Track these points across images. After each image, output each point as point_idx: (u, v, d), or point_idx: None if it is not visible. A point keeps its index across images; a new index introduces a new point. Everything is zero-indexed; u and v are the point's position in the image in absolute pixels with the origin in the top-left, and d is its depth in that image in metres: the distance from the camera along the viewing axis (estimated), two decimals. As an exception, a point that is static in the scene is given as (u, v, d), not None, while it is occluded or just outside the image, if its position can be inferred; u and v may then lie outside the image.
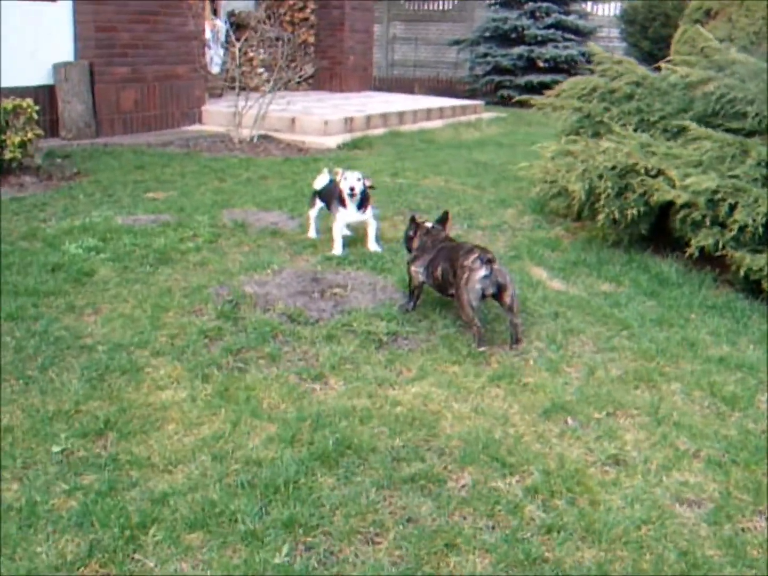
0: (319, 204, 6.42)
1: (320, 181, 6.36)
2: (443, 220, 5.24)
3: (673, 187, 6.06)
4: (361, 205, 6.04)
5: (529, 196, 8.26)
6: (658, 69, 8.50)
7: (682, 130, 7.69)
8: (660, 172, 6.18)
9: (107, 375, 4.06)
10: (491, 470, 3.40)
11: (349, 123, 11.60)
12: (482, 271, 4.50)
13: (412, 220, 5.19)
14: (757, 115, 6.74)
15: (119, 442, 3.47)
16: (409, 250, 5.20)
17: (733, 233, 5.57)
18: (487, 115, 14.99)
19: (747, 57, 7.38)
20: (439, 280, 4.81)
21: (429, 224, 5.18)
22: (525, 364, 4.49)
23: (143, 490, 3.14)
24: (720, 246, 5.79)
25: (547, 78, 17.21)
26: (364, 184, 5.96)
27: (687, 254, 5.85)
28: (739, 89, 6.96)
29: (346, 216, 6.03)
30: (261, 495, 3.11)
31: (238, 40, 9.80)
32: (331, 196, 6.20)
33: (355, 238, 6.35)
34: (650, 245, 6.57)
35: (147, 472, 3.27)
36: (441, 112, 14.13)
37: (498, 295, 4.59)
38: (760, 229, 5.55)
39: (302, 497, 3.10)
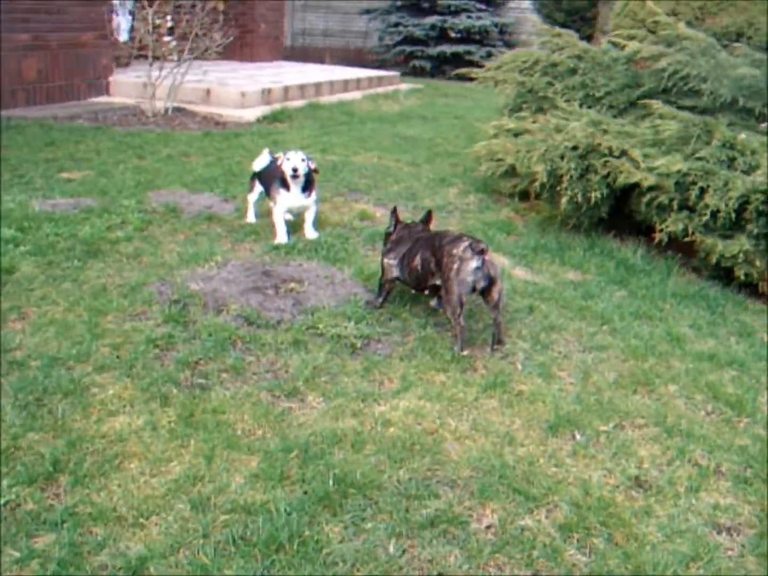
0: (258, 187, 5.83)
1: (260, 163, 5.76)
2: (426, 219, 4.76)
3: (637, 168, 5.75)
4: (306, 188, 5.49)
5: (469, 174, 7.90)
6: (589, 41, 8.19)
7: (630, 106, 7.43)
8: (623, 153, 5.85)
9: (46, 398, 3.44)
10: (514, 504, 3.00)
11: (266, 95, 10.91)
12: (474, 262, 4.07)
13: (393, 213, 4.70)
14: (711, 93, 6.49)
15: (74, 488, 2.88)
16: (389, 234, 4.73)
17: (705, 218, 5.31)
18: (403, 87, 14.52)
19: (696, 33, 7.14)
20: (417, 272, 4.34)
21: (410, 221, 4.72)
22: (513, 368, 4.10)
23: (114, 553, 2.58)
24: (689, 232, 5.51)
25: (459, 48, 16.86)
26: (308, 166, 5.41)
27: (656, 240, 5.57)
28: (692, 66, 6.70)
29: (288, 200, 5.48)
30: (260, 554, 2.59)
31: (150, 4, 8.92)
32: (271, 178, 5.62)
33: (297, 223, 5.78)
34: (609, 229, 6.28)
35: (114, 527, 2.70)
36: (358, 84, 13.57)
37: (486, 290, 4.16)
38: (732, 215, 5.30)
39: (310, 554, 2.61)
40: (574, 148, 6.00)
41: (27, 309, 4.22)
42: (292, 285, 4.81)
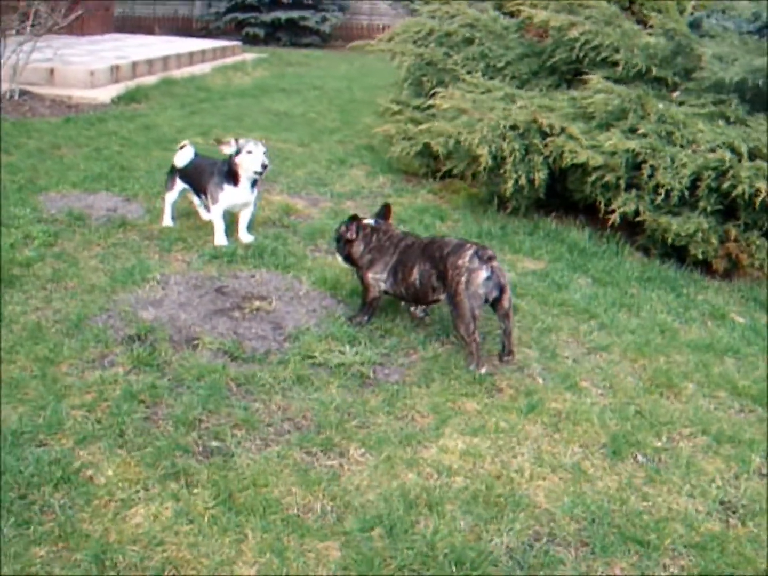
0: (180, 185, 5.08)
1: (183, 157, 5.01)
2: (384, 213, 4.25)
3: (582, 147, 5.53)
4: (255, 182, 4.83)
5: (367, 152, 7.53)
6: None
7: (533, 76, 7.22)
8: (562, 131, 5.61)
9: (33, 493, 2.73)
10: (638, 557, 2.71)
11: (115, 72, 9.81)
12: (484, 272, 3.66)
13: (353, 219, 4.14)
14: (626, 62, 6.38)
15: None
16: (347, 256, 4.15)
17: (660, 197, 5.17)
18: (248, 57, 13.65)
19: (599, 1, 7.01)
20: (416, 287, 3.87)
21: (371, 221, 4.17)
22: (535, 382, 3.77)
23: None
24: (641, 211, 5.37)
25: (294, 14, 16.10)
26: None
27: (610, 222, 5.39)
28: (603, 35, 6.56)
29: (233, 197, 4.82)
30: None
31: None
32: (201, 173, 4.92)
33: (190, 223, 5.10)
34: (547, 210, 6.04)
35: None
36: (203, 56, 12.61)
37: (497, 299, 3.77)
38: (685, 193, 5.20)
39: None
40: (513, 127, 5.68)
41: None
42: (257, 303, 4.19)
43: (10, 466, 2.81)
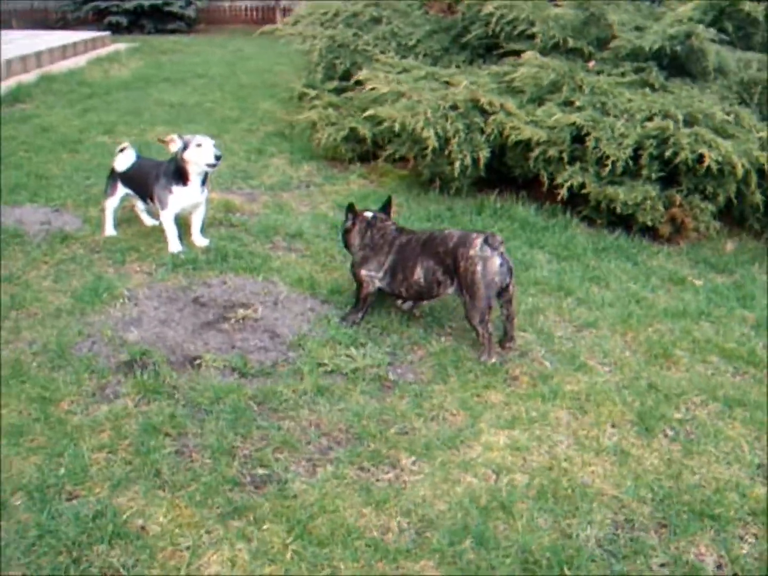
0: (122, 191, 4.73)
1: (124, 160, 4.67)
2: (386, 206, 4.12)
3: (524, 123, 5.56)
4: (204, 180, 4.56)
5: (281, 140, 7.36)
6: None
7: (445, 52, 7.21)
8: (502, 108, 5.61)
9: (87, 554, 2.46)
10: (717, 532, 2.74)
11: (-11, 71, 9.03)
12: (497, 259, 3.62)
13: (350, 209, 3.99)
14: (543, 35, 6.46)
15: None
16: (348, 246, 4.01)
17: (608, 168, 5.28)
18: (121, 47, 12.91)
19: (507, -26, 7.03)
20: (420, 285, 3.78)
21: (369, 213, 4.03)
22: (542, 366, 3.77)
23: None
24: (586, 184, 5.46)
25: (158, 0, 15.33)
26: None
27: (559, 196, 5.44)
28: (517, 9, 6.61)
29: (184, 198, 4.54)
30: None
31: None
32: (145, 177, 4.60)
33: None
34: (488, 187, 6.04)
35: None
36: (75, 49, 11.84)
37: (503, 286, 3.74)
38: (630, 162, 5.33)
39: None
40: (453, 107, 5.63)
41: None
42: (241, 312, 3.97)
43: (50, 526, 2.53)
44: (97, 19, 15.85)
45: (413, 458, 3.01)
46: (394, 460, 2.99)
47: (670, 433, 3.34)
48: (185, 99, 9.06)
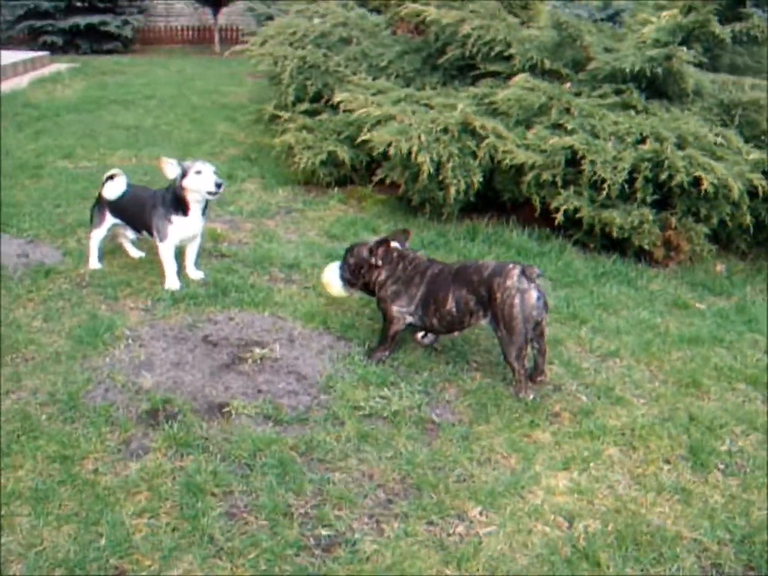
0: (110, 221, 4.43)
1: (115, 188, 4.36)
2: (404, 239, 3.92)
3: (517, 146, 5.47)
4: (205, 210, 4.30)
5: (248, 164, 7.14)
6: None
7: (416, 73, 7.11)
8: (493, 131, 5.51)
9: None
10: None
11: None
12: (534, 292, 3.48)
13: (382, 242, 3.77)
14: (521, 56, 6.41)
15: None
16: (366, 284, 3.79)
17: (604, 192, 5.22)
18: (62, 67, 12.39)
19: (480, -5, 6.99)
20: (452, 315, 3.61)
21: (397, 245, 3.83)
22: (578, 400, 3.65)
23: None
24: (579, 208, 5.40)
25: (94, 19, 14.80)
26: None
27: (556, 222, 5.36)
28: (493, 30, 6.55)
29: (184, 228, 4.27)
30: None
31: None
32: (140, 206, 4.33)
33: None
34: (475, 213, 5.93)
35: None
36: (15, 69, 11.31)
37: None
38: (625, 186, 5.30)
39: None
40: (444, 130, 5.49)
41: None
42: (258, 351, 3.74)
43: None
44: (31, 38, 15.18)
45: (479, 508, 2.83)
46: (460, 512, 2.80)
47: (721, 466, 3.23)
48: (140, 121, 8.71)
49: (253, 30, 9.97)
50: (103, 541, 2.51)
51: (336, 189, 6.46)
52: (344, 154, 6.28)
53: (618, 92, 6.22)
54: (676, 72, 6.07)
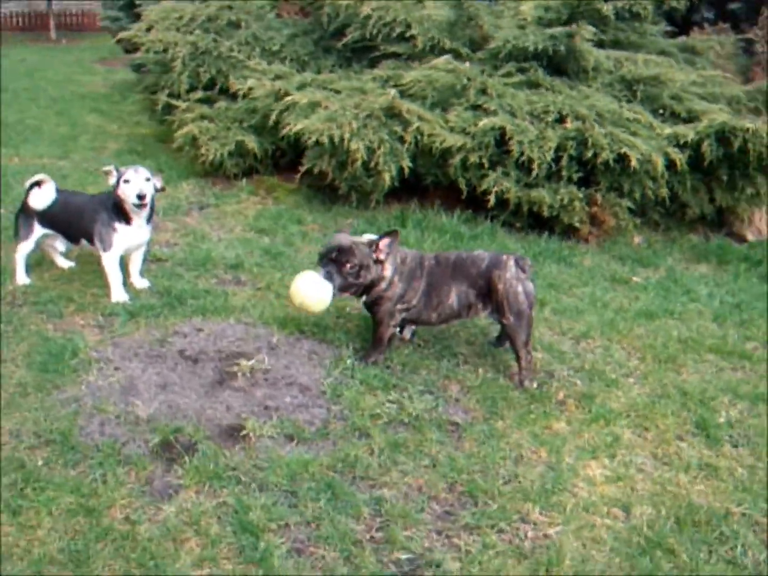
0: (38, 231, 3.99)
1: (42, 196, 3.91)
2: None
3: (443, 129, 5.42)
4: (150, 217, 3.96)
5: (139, 155, 6.73)
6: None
7: (311, 57, 6.93)
8: (418, 115, 5.43)
9: None
10: None
11: None
12: (530, 282, 3.46)
13: (389, 234, 3.52)
14: (423, 36, 6.36)
15: None
16: (369, 286, 3.53)
17: (535, 171, 5.27)
18: None
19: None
20: (452, 309, 3.52)
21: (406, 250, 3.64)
22: (574, 384, 3.67)
23: None
24: (508, 188, 5.43)
25: None
26: (155, 186, 3.89)
27: (490, 204, 5.35)
28: (393, 11, 6.46)
29: (129, 237, 3.91)
30: None
31: None
32: (77, 214, 3.94)
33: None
34: (398, 198, 5.83)
35: None
36: None
37: None
38: (552, 165, 5.38)
39: None
40: (369, 116, 5.34)
41: None
42: (245, 363, 3.50)
43: None
44: None
45: (537, 508, 2.77)
46: (521, 515, 2.72)
47: (727, 438, 3.33)
48: (1, 116, 7.91)
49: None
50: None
51: (244, 180, 6.12)
52: (252, 143, 5.97)
53: (521, 71, 6.27)
54: (577, 50, 6.18)
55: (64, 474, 2.68)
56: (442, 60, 5.64)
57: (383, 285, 3.44)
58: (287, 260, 4.64)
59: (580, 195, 5.32)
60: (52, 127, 7.55)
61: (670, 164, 5.46)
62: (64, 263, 4.26)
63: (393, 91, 5.26)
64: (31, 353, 3.40)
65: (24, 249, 4.01)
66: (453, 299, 3.48)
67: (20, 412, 3.01)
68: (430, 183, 5.73)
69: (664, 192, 5.58)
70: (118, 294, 3.92)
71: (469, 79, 5.63)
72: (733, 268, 5.42)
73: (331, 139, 5.01)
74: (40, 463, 2.73)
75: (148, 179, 3.81)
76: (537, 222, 5.63)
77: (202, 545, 2.43)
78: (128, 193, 3.75)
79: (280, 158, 6.30)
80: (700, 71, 6.52)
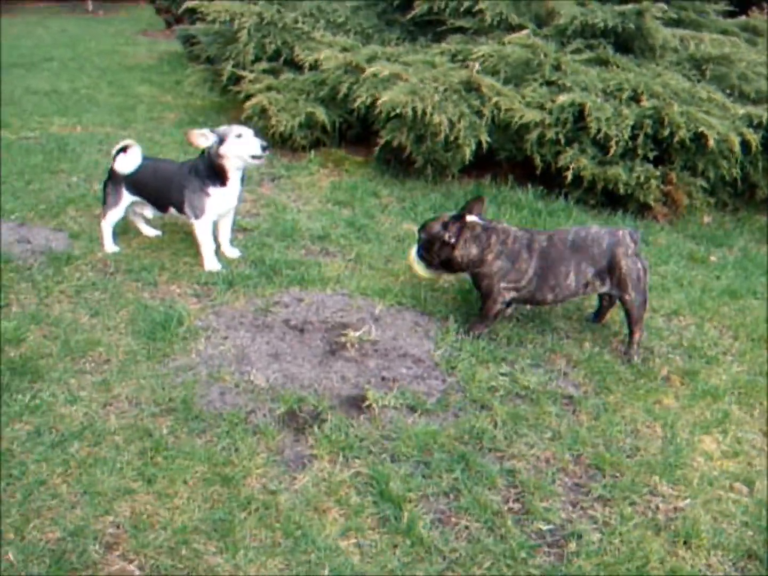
0: (128, 198, 3.99)
1: (129, 161, 3.92)
2: (474, 208, 3.62)
3: (524, 105, 5.38)
4: (243, 178, 3.97)
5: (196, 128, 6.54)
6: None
7: (376, 31, 6.87)
8: (497, 90, 5.39)
9: None
10: None
11: None
12: (645, 259, 3.47)
13: (457, 218, 3.53)
14: (492, 11, 6.30)
15: None
16: (446, 261, 3.55)
17: (613, 149, 5.23)
18: None
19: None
20: (571, 288, 3.52)
21: (477, 219, 3.60)
22: (674, 361, 3.66)
23: None
24: (585, 165, 5.39)
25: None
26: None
27: (568, 180, 5.32)
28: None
29: (224, 200, 3.93)
30: None
31: None
32: (166, 180, 3.96)
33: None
34: (470, 172, 5.81)
35: None
36: None
37: None
38: (629, 143, 5.33)
39: None
40: (447, 90, 5.31)
41: None
42: (352, 334, 3.50)
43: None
44: None
45: (664, 481, 2.78)
46: (651, 488, 2.73)
47: None
48: (54, 86, 7.94)
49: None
50: (326, 572, 2.23)
51: (312, 152, 6.10)
52: (322, 115, 5.95)
53: (589, 47, 6.20)
54: (646, 27, 6.11)
55: (191, 442, 2.70)
56: (522, 34, 5.58)
57: (472, 264, 3.44)
58: (371, 232, 4.64)
59: (657, 173, 5.27)
60: (107, 97, 7.54)
61: (744, 144, 5.40)
62: (151, 231, 4.27)
63: (477, 65, 5.21)
64: (135, 321, 3.42)
65: (112, 216, 4.02)
66: (571, 279, 3.47)
67: (135, 379, 3.02)
68: (503, 158, 5.70)
69: (736, 172, 5.53)
70: (211, 263, 3.92)
71: (545, 55, 5.56)
72: (805, 250, 5.38)
73: (414, 111, 4.97)
74: (165, 431, 2.75)
75: (256, 134, 3.80)
76: (609, 200, 5.59)
77: (344, 515, 2.45)
78: (247, 147, 3.74)
79: (347, 131, 6.27)
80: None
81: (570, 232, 3.56)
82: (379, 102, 5.03)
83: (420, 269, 3.66)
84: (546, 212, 5.34)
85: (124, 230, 4.30)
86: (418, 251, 3.62)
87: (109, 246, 4.08)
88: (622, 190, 5.34)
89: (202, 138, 3.83)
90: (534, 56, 5.55)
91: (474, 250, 3.49)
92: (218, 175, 3.83)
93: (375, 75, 5.26)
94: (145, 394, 2.94)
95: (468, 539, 2.40)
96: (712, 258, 5.05)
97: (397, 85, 5.16)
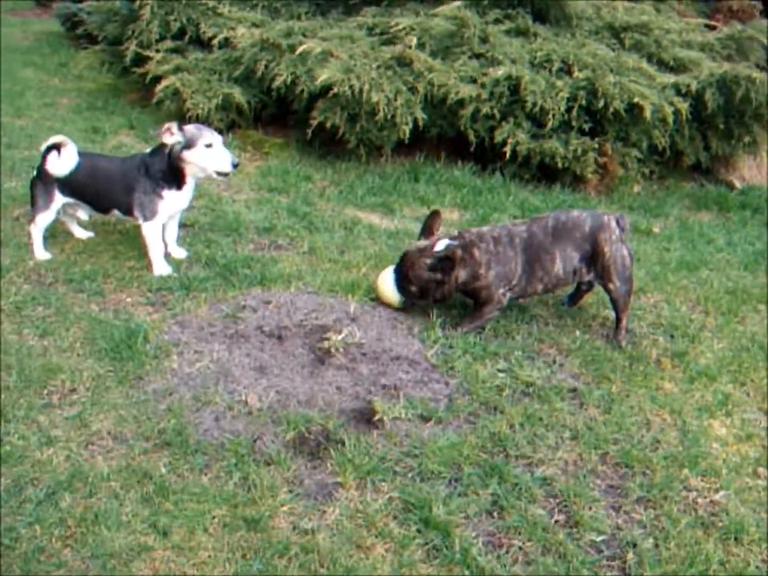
0: (60, 200, 3.57)
1: (65, 162, 3.49)
2: (430, 225, 3.49)
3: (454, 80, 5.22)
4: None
5: (97, 114, 6.24)
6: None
7: (284, 5, 6.56)
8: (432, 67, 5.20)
9: None
10: None
11: None
12: (629, 244, 3.40)
13: (444, 259, 3.31)
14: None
15: None
16: (446, 294, 3.37)
17: (550, 123, 5.15)
18: None
19: None
20: (559, 278, 3.40)
21: (454, 242, 3.39)
22: (659, 342, 3.63)
23: None
24: (520, 140, 5.29)
25: None
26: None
27: (507, 156, 5.20)
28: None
29: (174, 204, 3.58)
30: None
31: None
32: (109, 180, 3.55)
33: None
34: (401, 151, 5.60)
35: None
36: None
37: None
38: (565, 116, 5.27)
39: None
40: (381, 66, 5.06)
41: None
42: (335, 338, 3.25)
43: None
44: None
45: (693, 474, 2.69)
46: (683, 483, 2.64)
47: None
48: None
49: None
50: None
51: (230, 135, 5.72)
52: (239, 96, 5.57)
53: (508, 17, 6.09)
54: (562, -5, 6.04)
55: (198, 481, 2.39)
56: (452, 6, 5.36)
57: (467, 282, 3.30)
58: (317, 221, 4.38)
59: (594, 145, 5.22)
60: (29, 99, 6.82)
61: (674, 113, 5.42)
62: (83, 234, 3.86)
63: (414, 40, 4.96)
64: (92, 339, 3.03)
65: (43, 220, 3.58)
66: (559, 267, 3.33)
67: (112, 410, 2.67)
68: (434, 135, 5.50)
69: (665, 141, 5.55)
70: (161, 267, 3.56)
71: (474, 26, 5.38)
72: (737, 216, 5.48)
73: (351, 90, 4.69)
74: (164, 470, 2.42)
75: (224, 143, 3.45)
76: (544, 174, 5.51)
77: (391, 550, 2.22)
78: (215, 161, 3.40)
79: (262, 111, 5.92)
80: (686, 19, 6.48)
81: (549, 218, 3.43)
82: (318, 81, 4.69)
83: (396, 300, 3.48)
84: (485, 189, 5.20)
85: (52, 233, 3.84)
86: (407, 288, 3.39)
87: (40, 253, 3.64)
88: (559, 164, 5.27)
89: (167, 134, 3.43)
90: (459, 29, 5.34)
91: (463, 274, 3.31)
92: (175, 178, 3.47)
93: (307, 52, 4.90)
94: (130, 428, 2.59)
95: (526, 561, 2.23)
96: (655, 229, 5.04)
97: (330, 63, 4.84)
